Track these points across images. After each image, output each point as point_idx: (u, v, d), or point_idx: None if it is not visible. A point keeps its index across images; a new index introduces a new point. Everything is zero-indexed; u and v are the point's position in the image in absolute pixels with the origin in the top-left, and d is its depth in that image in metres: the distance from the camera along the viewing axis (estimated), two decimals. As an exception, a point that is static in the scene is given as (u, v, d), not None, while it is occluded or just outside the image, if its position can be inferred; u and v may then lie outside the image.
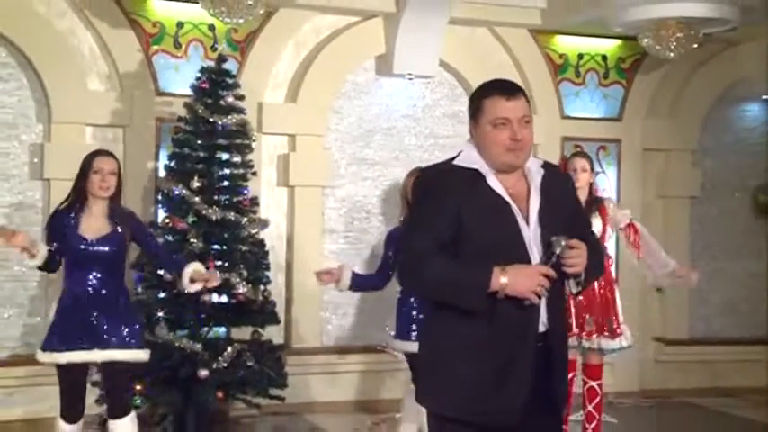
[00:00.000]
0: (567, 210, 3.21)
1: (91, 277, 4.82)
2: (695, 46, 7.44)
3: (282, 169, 7.56)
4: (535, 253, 3.08)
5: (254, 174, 6.68)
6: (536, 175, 3.16)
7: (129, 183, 7.08)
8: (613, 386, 7.57)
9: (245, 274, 6.30)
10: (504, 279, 2.95)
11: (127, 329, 4.87)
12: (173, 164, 6.52)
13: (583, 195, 5.55)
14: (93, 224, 4.86)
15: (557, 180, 3.23)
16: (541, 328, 3.09)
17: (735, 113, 9.00)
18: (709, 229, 8.69)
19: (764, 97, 8.92)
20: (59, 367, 4.82)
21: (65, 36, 7.04)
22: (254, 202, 6.64)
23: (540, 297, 3.00)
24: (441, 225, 3.06)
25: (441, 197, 3.11)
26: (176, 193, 6.38)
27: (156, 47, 7.25)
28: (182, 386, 6.15)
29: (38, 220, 6.98)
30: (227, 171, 6.50)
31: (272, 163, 7.57)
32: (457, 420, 3.07)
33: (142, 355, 4.96)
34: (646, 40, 7.46)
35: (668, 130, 8.54)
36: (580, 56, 8.44)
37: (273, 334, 6.76)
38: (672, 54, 7.43)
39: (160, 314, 6.28)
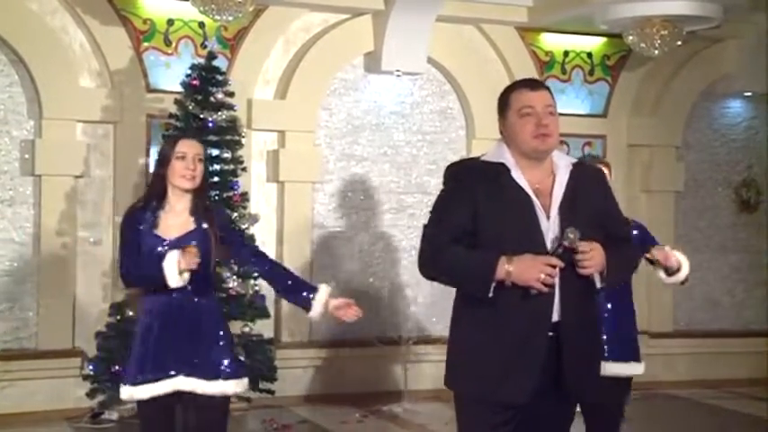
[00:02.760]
0: (596, 205, 3.24)
1: (177, 292, 3.75)
2: (679, 43, 7.48)
3: (272, 165, 7.54)
4: (551, 245, 3.13)
5: (244, 169, 6.69)
6: (563, 171, 3.21)
7: (120, 179, 7.11)
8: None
9: (235, 269, 6.29)
10: (510, 268, 3.03)
11: (217, 355, 3.84)
12: (163, 160, 6.49)
13: None
14: (174, 222, 3.84)
15: (585, 176, 3.28)
16: (555, 318, 3.14)
17: (718, 110, 9.02)
18: (693, 223, 8.71)
19: (747, 94, 8.94)
20: (142, 403, 3.81)
21: (56, 33, 7.00)
22: (245, 197, 6.64)
23: (547, 286, 3.04)
24: (459, 215, 3.16)
25: (461, 189, 3.21)
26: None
27: (146, 44, 7.21)
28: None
29: (29, 216, 6.96)
30: (217, 167, 6.50)
31: (261, 159, 7.55)
32: (474, 399, 3.20)
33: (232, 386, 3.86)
34: (631, 38, 7.48)
35: (652, 126, 8.56)
36: (566, 53, 8.45)
37: (263, 328, 6.76)
38: (656, 51, 7.46)
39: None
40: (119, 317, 6.42)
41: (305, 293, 3.88)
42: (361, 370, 7.54)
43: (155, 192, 3.87)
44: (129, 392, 3.78)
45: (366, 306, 7.55)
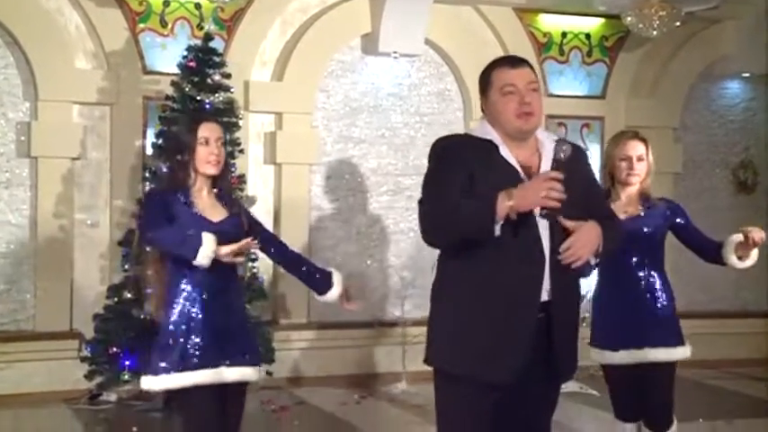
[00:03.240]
0: (582, 183, 3.21)
1: (219, 272, 3.62)
2: (677, 24, 7.45)
3: (269, 147, 7.51)
4: (541, 224, 3.09)
5: (242, 151, 6.67)
6: (549, 149, 3.17)
7: (117, 161, 7.08)
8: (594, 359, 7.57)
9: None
10: (510, 202, 2.94)
11: (249, 341, 3.86)
12: (160, 141, 6.49)
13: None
14: (206, 206, 3.72)
15: (571, 154, 3.21)
16: (545, 297, 3.11)
17: (716, 91, 8.99)
18: (691, 204, 8.59)
19: (745, 75, 8.91)
20: (185, 392, 3.61)
21: (51, 14, 6.95)
22: (242, 179, 6.62)
23: (559, 202, 2.96)
24: (454, 182, 3.09)
25: (454, 158, 3.16)
26: (163, 170, 6.32)
27: (142, 25, 7.16)
28: (170, 362, 6.12)
29: (26, 198, 6.94)
30: (214, 149, 6.45)
31: (259, 141, 7.52)
32: (458, 377, 3.14)
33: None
34: (629, 19, 7.45)
35: (651, 107, 8.52)
36: (564, 34, 8.41)
37: (261, 310, 6.75)
38: (654, 32, 7.44)
39: (149, 290, 6.25)
40: (116, 299, 6.41)
41: (321, 284, 3.98)
42: (358, 352, 7.55)
43: (180, 180, 3.69)
44: (177, 380, 3.57)
45: (363, 288, 7.63)
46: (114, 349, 6.29)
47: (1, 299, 6.91)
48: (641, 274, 4.21)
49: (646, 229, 4.21)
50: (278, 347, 6.81)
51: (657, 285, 4.23)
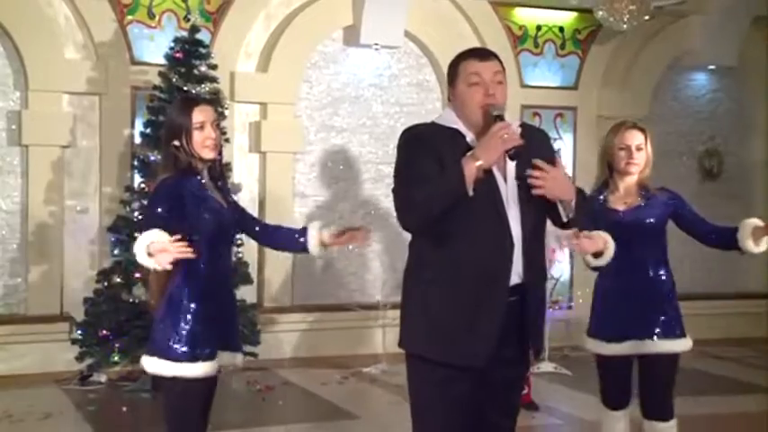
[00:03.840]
0: (549, 163, 3.12)
1: (224, 259, 3.50)
2: (647, 18, 7.46)
3: (254, 136, 7.45)
4: (512, 205, 3.04)
5: (227, 140, 6.60)
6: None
7: (106, 149, 7.00)
8: (567, 339, 7.59)
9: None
10: (478, 162, 2.93)
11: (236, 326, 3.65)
12: (148, 131, 6.46)
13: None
14: (211, 189, 3.49)
15: (534, 137, 3.18)
16: (516, 280, 3.05)
17: (683, 82, 9.02)
18: (659, 192, 8.69)
19: (710, 67, 8.94)
20: (195, 382, 3.37)
21: (41, 6, 6.85)
22: (227, 167, 6.52)
23: (521, 138, 2.96)
24: (425, 167, 3.03)
25: (425, 144, 3.10)
26: (152, 158, 6.33)
27: (130, 17, 7.07)
28: (158, 344, 6.07)
29: (17, 184, 6.86)
30: (200, 137, 6.39)
31: (244, 130, 7.46)
32: (428, 360, 3.09)
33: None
34: (600, 13, 7.45)
35: (621, 97, 8.51)
36: (538, 27, 8.37)
37: (247, 294, 6.69)
38: (625, 26, 7.45)
39: (137, 275, 6.20)
40: (106, 283, 6.35)
41: (298, 240, 3.60)
42: (340, 334, 7.51)
43: (182, 165, 3.39)
44: (194, 369, 3.32)
45: (344, 272, 7.59)
46: (104, 332, 6.23)
47: (-7, 283, 6.84)
48: (645, 264, 4.04)
49: (649, 220, 4.03)
50: (263, 330, 6.76)
51: (662, 276, 4.08)
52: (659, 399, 4.04)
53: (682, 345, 4.06)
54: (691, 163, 8.96)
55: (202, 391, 3.39)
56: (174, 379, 3.33)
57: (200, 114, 3.42)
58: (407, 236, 3.25)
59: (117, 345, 6.22)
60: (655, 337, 3.99)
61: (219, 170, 3.55)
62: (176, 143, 3.39)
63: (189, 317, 3.33)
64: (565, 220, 3.11)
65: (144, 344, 6.04)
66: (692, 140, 8.98)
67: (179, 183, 3.35)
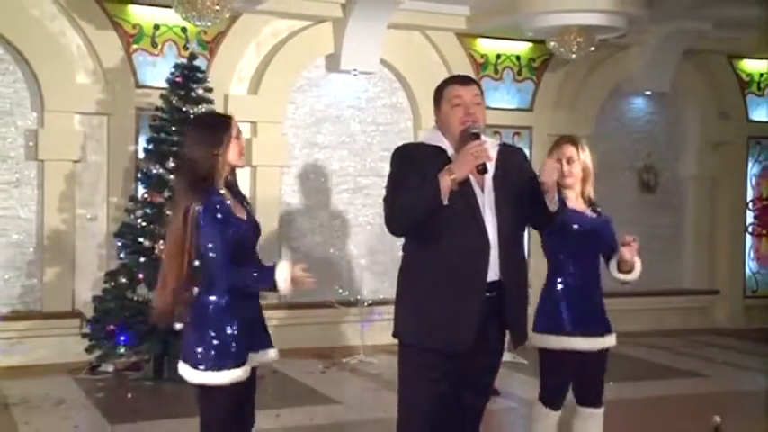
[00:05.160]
0: (523, 178, 3.25)
1: (248, 275, 3.13)
2: (592, 49, 7.53)
3: (246, 152, 7.35)
4: (488, 215, 3.12)
5: (222, 155, 6.58)
6: (492, 151, 3.17)
7: (113, 163, 6.98)
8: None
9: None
10: (453, 175, 3.02)
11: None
12: (151, 147, 6.44)
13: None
14: (232, 202, 3.19)
15: (511, 155, 3.31)
16: (493, 277, 3.12)
17: (624, 105, 9.09)
18: (603, 202, 8.69)
19: (647, 92, 9.02)
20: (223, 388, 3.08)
21: (56, 36, 6.83)
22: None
23: (483, 165, 3.03)
24: (411, 181, 3.11)
25: (412, 160, 3.21)
26: (154, 171, 6.32)
27: (135, 46, 7.06)
28: (159, 337, 6.08)
29: (34, 195, 6.83)
30: (198, 153, 6.39)
31: (237, 146, 7.44)
32: (419, 347, 3.16)
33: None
34: (552, 44, 7.52)
35: (570, 118, 8.57)
36: (498, 56, 8.44)
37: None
38: (573, 55, 7.52)
39: (141, 275, 6.19)
40: (113, 283, 6.33)
41: (269, 285, 3.12)
42: (323, 328, 7.51)
43: (222, 174, 3.14)
44: (221, 377, 3.07)
45: (326, 272, 7.60)
46: (111, 327, 6.21)
47: (12, 283, 6.80)
48: (597, 266, 3.89)
49: (602, 230, 3.88)
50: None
51: (601, 278, 3.93)
52: (599, 388, 3.92)
53: (613, 339, 3.93)
54: (631, 177, 9.04)
55: (232, 396, 3.10)
56: (205, 386, 3.08)
57: (235, 125, 3.22)
58: (382, 243, 3.31)
59: (122, 338, 6.19)
60: (608, 333, 3.87)
61: (233, 179, 3.28)
62: (215, 152, 3.12)
63: (220, 327, 3.07)
64: (552, 209, 3.18)
65: (147, 338, 6.11)
66: (632, 157, 9.06)
67: (219, 200, 3.09)
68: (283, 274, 3.05)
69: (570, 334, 3.76)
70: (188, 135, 3.33)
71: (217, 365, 3.07)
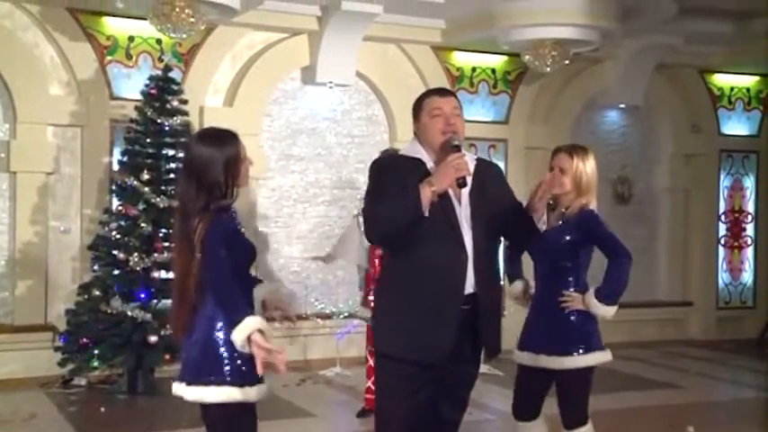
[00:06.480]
0: (499, 192, 3.29)
1: (251, 284, 3.14)
2: (567, 62, 7.59)
3: (221, 163, 7.39)
4: (465, 226, 3.13)
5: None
6: (470, 165, 3.19)
7: (87, 175, 6.91)
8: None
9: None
10: (433, 188, 3.03)
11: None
12: (125, 159, 6.41)
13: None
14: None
15: (488, 169, 3.32)
16: (469, 290, 3.13)
17: (598, 118, 9.17)
18: (578, 213, 8.82)
19: (621, 106, 9.10)
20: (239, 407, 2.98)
21: (29, 47, 6.76)
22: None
23: (469, 171, 3.07)
24: (390, 192, 3.11)
25: (392, 171, 3.22)
26: (128, 183, 6.28)
27: (110, 57, 7.02)
28: (134, 350, 6.03)
29: (6, 207, 6.76)
30: (172, 165, 6.39)
31: (212, 158, 7.40)
32: (396, 359, 3.16)
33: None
34: (527, 57, 7.56)
35: (545, 131, 8.62)
36: (474, 69, 8.48)
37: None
38: (548, 69, 7.57)
39: (115, 288, 6.13)
40: (86, 296, 6.27)
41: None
42: (299, 340, 7.47)
43: (232, 195, 3.03)
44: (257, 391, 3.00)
45: (303, 285, 7.55)
46: (84, 340, 6.15)
47: (-18, 296, 6.69)
48: (558, 283, 3.81)
49: (562, 240, 3.74)
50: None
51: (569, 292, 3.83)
52: (580, 406, 3.83)
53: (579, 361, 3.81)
54: (605, 188, 9.08)
55: (254, 415, 3.04)
56: (228, 406, 2.94)
57: (243, 146, 3.08)
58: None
59: (96, 351, 6.13)
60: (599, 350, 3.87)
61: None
62: (234, 171, 3.01)
63: (223, 346, 2.93)
64: (540, 225, 3.25)
65: (120, 351, 6.04)
66: (606, 169, 9.09)
67: (232, 223, 3.00)
68: (245, 332, 2.86)
69: (529, 350, 3.81)
70: (206, 148, 3.07)
71: (248, 381, 2.93)
